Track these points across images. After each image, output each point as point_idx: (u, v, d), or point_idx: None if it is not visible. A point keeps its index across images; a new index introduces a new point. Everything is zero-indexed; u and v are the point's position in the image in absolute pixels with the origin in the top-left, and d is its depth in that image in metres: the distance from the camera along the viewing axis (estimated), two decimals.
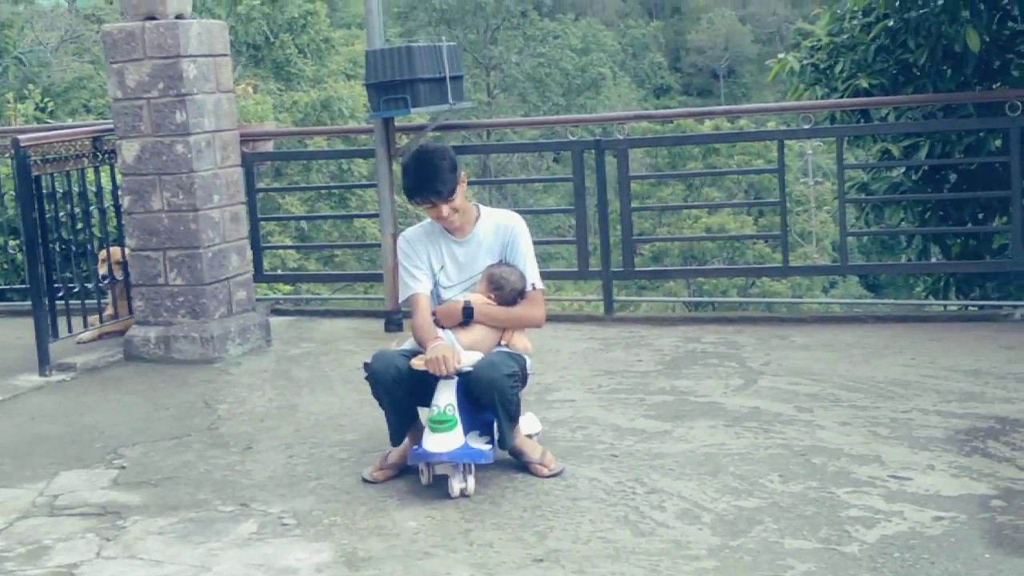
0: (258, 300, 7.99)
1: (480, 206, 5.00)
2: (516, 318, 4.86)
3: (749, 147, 29.51)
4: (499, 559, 4.00)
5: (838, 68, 9.04)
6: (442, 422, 4.54)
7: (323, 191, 21.79)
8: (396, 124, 8.01)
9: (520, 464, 4.85)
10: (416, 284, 4.83)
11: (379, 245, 8.22)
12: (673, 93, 56.90)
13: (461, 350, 4.68)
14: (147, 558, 4.18)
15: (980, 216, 8.96)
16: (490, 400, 4.58)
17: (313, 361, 7.12)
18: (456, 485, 4.58)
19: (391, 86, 7.46)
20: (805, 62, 9.33)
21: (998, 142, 8.37)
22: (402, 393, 4.64)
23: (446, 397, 4.59)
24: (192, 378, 6.82)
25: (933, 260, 9.38)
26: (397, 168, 9.95)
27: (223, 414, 6.07)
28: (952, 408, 5.47)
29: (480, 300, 4.83)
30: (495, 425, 4.69)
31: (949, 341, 6.79)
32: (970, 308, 8.64)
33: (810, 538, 4.04)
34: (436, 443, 4.53)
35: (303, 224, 21.42)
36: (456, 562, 4.00)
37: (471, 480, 4.60)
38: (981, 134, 8.41)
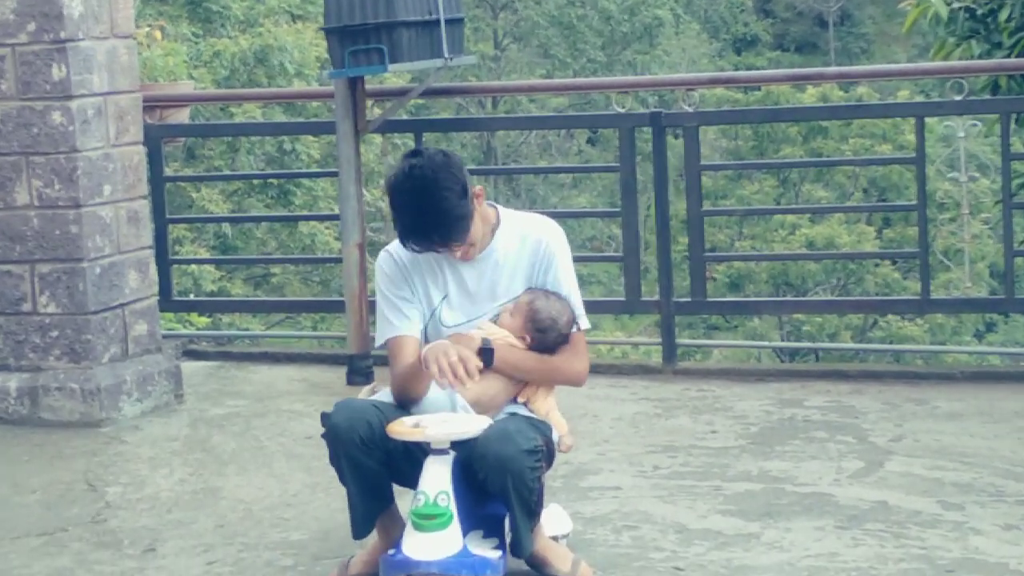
0: (165, 337, 8.01)
1: (500, 209, 4.92)
2: (551, 371, 4.85)
3: (872, 127, 29.55)
4: None
5: (1004, 15, 9.08)
6: (431, 516, 4.49)
7: (256, 182, 21.82)
8: (367, 87, 8.05)
9: None
10: (402, 323, 4.78)
11: (339, 260, 8.25)
12: (761, 47, 57.00)
13: (465, 407, 4.67)
14: None
15: None
16: (501, 486, 4.54)
17: (243, 426, 7.13)
18: None
19: (360, 32, 7.49)
20: (956, 5, 9.38)
21: None
22: (374, 462, 4.62)
23: (438, 480, 4.52)
24: (69, 448, 6.81)
25: None
26: (366, 151, 10.01)
27: (114, 501, 6.06)
28: None
29: (502, 338, 4.78)
30: (507, 523, 4.68)
31: None
32: None
33: None
34: (422, 547, 4.47)
35: (225, 229, 21.44)
36: None
37: None
38: None
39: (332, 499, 5.90)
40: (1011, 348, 17.96)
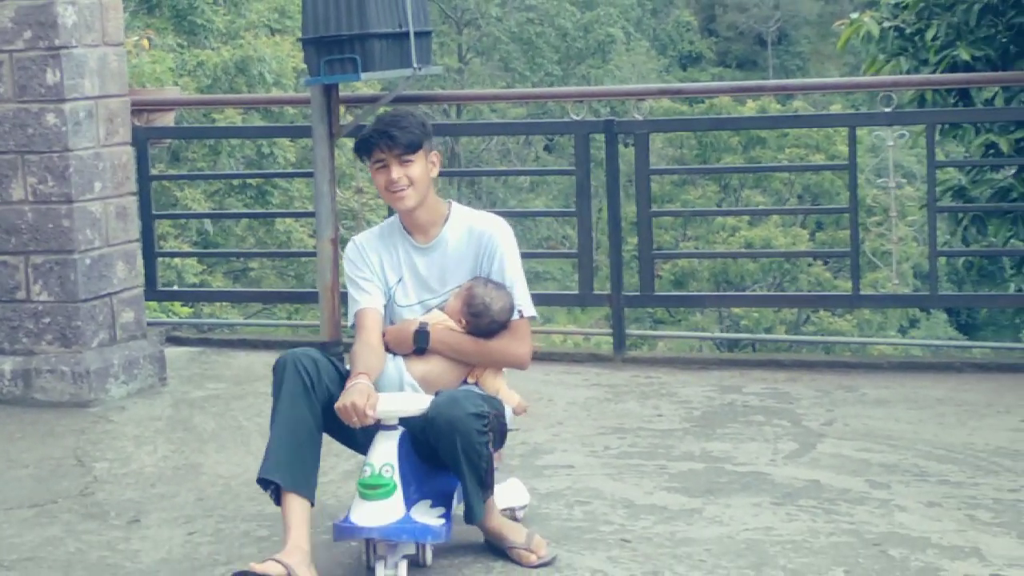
0: (150, 324, 7.99)
1: (453, 203, 5.07)
2: (488, 353, 4.92)
3: (806, 137, 29.71)
4: None
5: (930, 34, 9.11)
6: (375, 487, 4.54)
7: (235, 183, 21.76)
8: (340, 94, 8.03)
9: (496, 550, 4.85)
10: (363, 297, 4.92)
11: (313, 255, 8.23)
12: (705, 64, 57.15)
13: (413, 385, 4.80)
14: None
15: None
16: (450, 449, 4.57)
17: (222, 407, 7.12)
18: (381, 572, 4.56)
19: (335, 43, 7.46)
20: (887, 24, 9.40)
21: None
22: (311, 410, 4.64)
23: (383, 454, 4.59)
24: (60, 426, 6.80)
25: None
26: (339, 155, 9.98)
27: (101, 475, 6.05)
28: None
29: (440, 322, 4.88)
30: (457, 492, 4.72)
31: None
32: None
33: None
34: (368, 515, 4.52)
35: (207, 226, 21.38)
36: None
37: (403, 568, 4.57)
38: None
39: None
40: (933, 340, 18.05)
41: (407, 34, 7.65)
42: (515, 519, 5.09)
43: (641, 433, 6.45)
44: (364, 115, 8.30)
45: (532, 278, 5.03)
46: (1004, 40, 8.90)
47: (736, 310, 26.81)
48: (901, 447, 6.12)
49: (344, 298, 8.76)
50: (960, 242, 9.41)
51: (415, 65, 7.68)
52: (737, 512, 5.33)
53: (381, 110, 8.11)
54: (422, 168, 4.87)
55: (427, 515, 4.62)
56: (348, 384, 4.61)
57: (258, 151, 21.82)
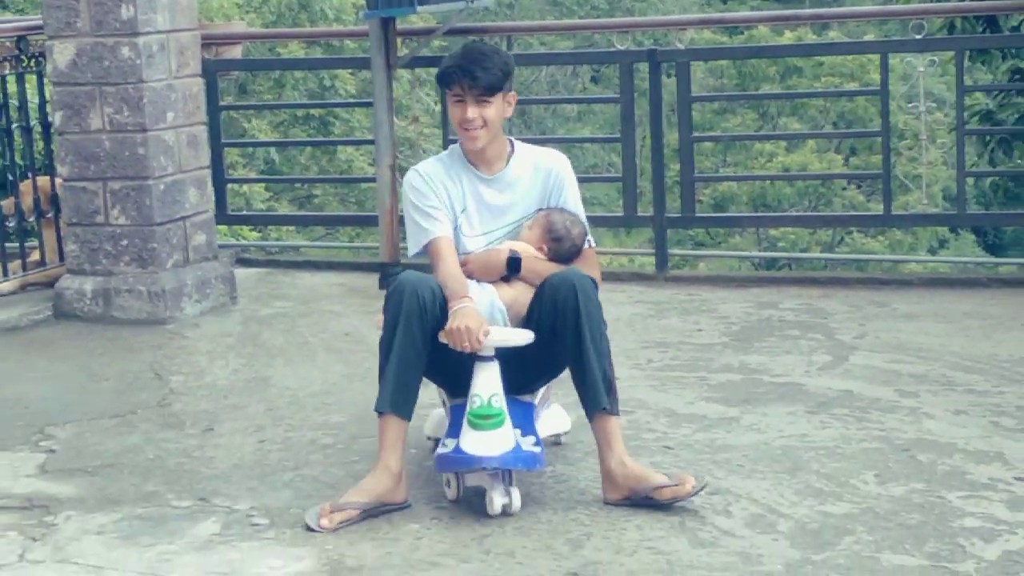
0: (221, 247, 8.03)
1: (515, 140, 4.89)
2: None
3: (841, 66, 29.33)
4: (524, 572, 4.04)
5: None
6: (487, 416, 4.39)
7: (299, 113, 21.76)
8: (397, 27, 8.01)
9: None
10: (435, 226, 4.67)
11: (371, 180, 8.24)
12: None
13: (503, 311, 4.64)
14: (83, 563, 4.23)
15: None
16: (572, 319, 4.42)
17: (289, 324, 7.16)
18: (498, 500, 4.41)
19: None
20: None
21: None
22: (424, 332, 4.44)
23: (490, 384, 4.43)
24: (138, 342, 6.85)
25: None
26: (396, 87, 9.97)
27: (177, 387, 6.11)
28: None
29: (527, 250, 4.73)
30: (583, 382, 4.49)
31: None
32: None
33: (914, 553, 4.07)
34: (481, 444, 4.36)
35: (273, 155, 21.41)
36: (468, 573, 4.04)
37: (516, 494, 4.45)
38: None
39: (367, 386, 5.89)
40: (961, 258, 17.91)
41: None
42: (559, 443, 5.03)
43: (682, 347, 6.46)
44: (420, 47, 8.29)
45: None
46: None
47: (773, 232, 26.61)
48: (929, 358, 6.10)
49: (403, 222, 8.80)
50: (987, 164, 9.34)
51: None
52: (773, 420, 5.34)
53: (433, 42, 8.09)
54: (498, 109, 4.66)
55: (526, 443, 4.47)
56: (454, 306, 4.43)
57: (320, 83, 21.80)
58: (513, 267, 4.68)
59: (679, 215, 8.28)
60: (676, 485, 4.42)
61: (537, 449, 4.46)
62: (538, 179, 4.79)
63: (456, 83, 4.62)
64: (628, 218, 8.33)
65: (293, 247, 10.89)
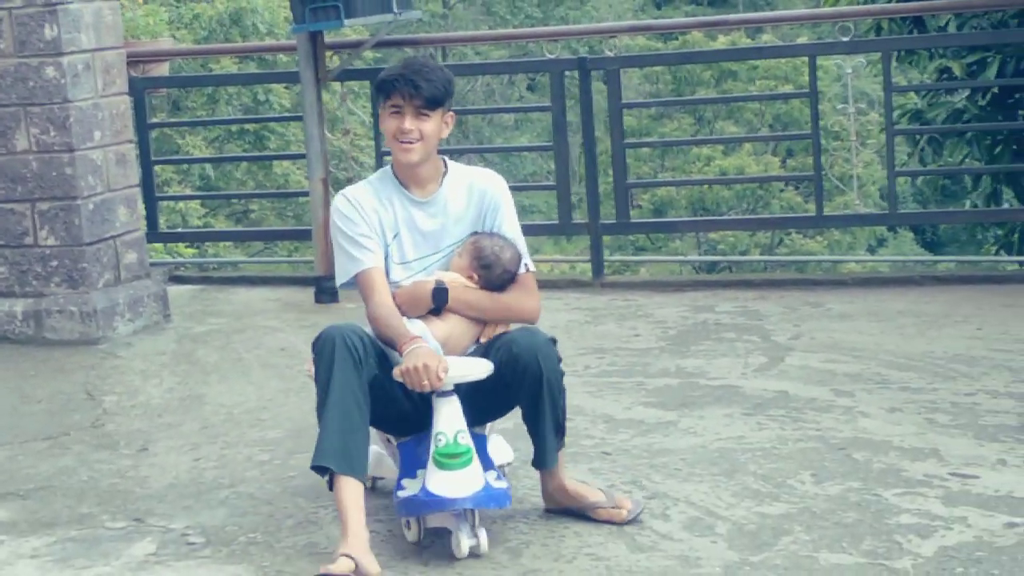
0: (153, 265, 7.99)
1: (448, 161, 4.61)
2: (505, 307, 4.49)
3: (775, 69, 29.54)
4: None
5: None
6: (455, 455, 4.13)
7: (234, 129, 21.65)
8: (326, 40, 8.00)
9: (561, 514, 4.51)
10: (367, 256, 4.40)
11: (306, 194, 8.23)
12: (678, 2, 56.85)
13: (437, 348, 4.31)
14: None
15: None
16: (533, 384, 4.24)
17: (223, 340, 7.12)
18: (466, 543, 4.17)
19: None
20: None
21: None
22: (359, 384, 4.17)
23: (452, 420, 4.17)
24: (70, 363, 6.80)
25: (1005, 206, 9.47)
26: (327, 97, 9.95)
27: (110, 408, 6.06)
28: None
29: (456, 280, 4.44)
30: (536, 436, 4.34)
31: None
32: None
33: (851, 551, 4.10)
34: (452, 485, 4.09)
35: (209, 171, 21.29)
36: None
37: (483, 535, 4.20)
38: None
39: (303, 402, 5.90)
40: (898, 257, 18.06)
41: None
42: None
43: (619, 352, 6.47)
44: (349, 60, 8.29)
45: (519, 211, 4.88)
46: None
47: (713, 235, 26.76)
48: (864, 357, 6.14)
49: None
50: (918, 163, 9.44)
51: (396, 10, 7.65)
52: (710, 423, 5.35)
53: (366, 54, 8.09)
54: (436, 125, 4.39)
55: (493, 481, 4.24)
56: (407, 347, 4.16)
57: (254, 98, 21.71)
58: (439, 299, 4.40)
59: (614, 221, 8.30)
60: (613, 508, 4.40)
61: (503, 484, 4.27)
62: (472, 201, 4.53)
63: (396, 92, 4.38)
64: (564, 225, 8.35)
65: (227, 263, 10.84)
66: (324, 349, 4.18)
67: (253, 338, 7.13)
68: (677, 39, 29.77)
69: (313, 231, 7.96)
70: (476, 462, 4.17)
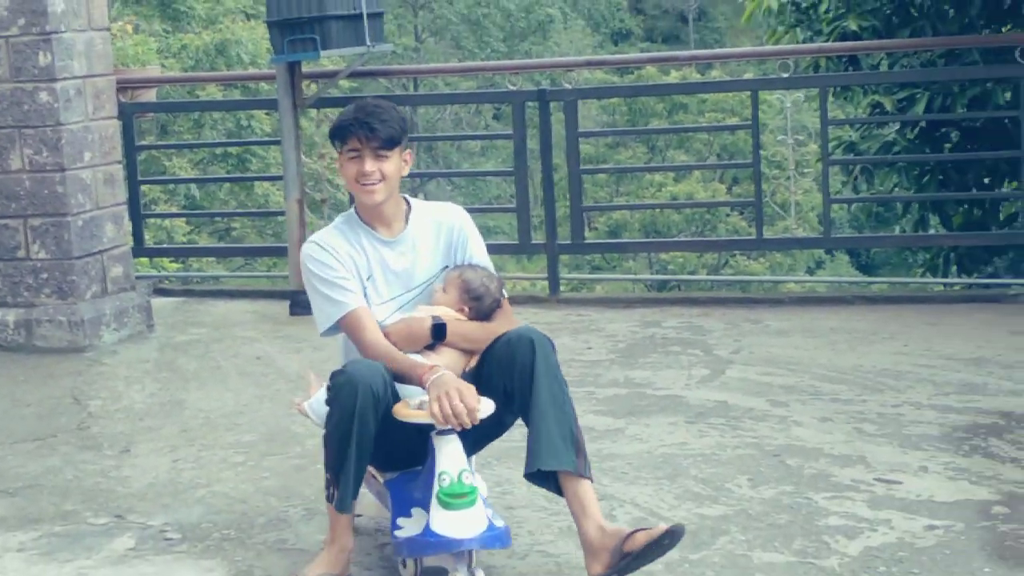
0: (138, 278, 7.96)
1: (410, 199, 4.35)
2: (494, 336, 4.14)
3: (723, 103, 29.71)
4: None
5: (823, 7, 9.15)
6: (460, 495, 3.80)
7: (218, 152, 21.64)
8: (303, 70, 8.00)
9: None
10: (349, 297, 4.10)
11: (283, 214, 8.22)
12: (634, 39, 57.05)
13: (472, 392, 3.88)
14: None
15: (986, 181, 9.12)
16: (529, 382, 3.92)
17: (203, 350, 7.10)
18: None
19: (297, 24, 7.47)
20: (785, 0, 9.43)
21: (1007, 94, 8.51)
22: (375, 427, 3.87)
23: (456, 459, 3.85)
24: (59, 369, 6.77)
25: (932, 232, 9.53)
26: (305, 123, 9.94)
27: (95, 411, 6.04)
28: (950, 402, 5.58)
29: (448, 314, 4.18)
30: (536, 431, 3.94)
31: (949, 325, 6.91)
32: (974, 287, 8.79)
33: (783, 550, 4.12)
34: (457, 525, 3.78)
35: (194, 192, 21.28)
36: None
37: (480, 573, 3.92)
38: (988, 85, 8.55)
39: (277, 407, 5.91)
40: (831, 278, 18.12)
41: (361, 15, 7.64)
42: None
43: (572, 364, 6.47)
44: (325, 88, 8.30)
45: (484, 232, 4.81)
46: (888, 11, 8.94)
47: (664, 257, 26.90)
48: (799, 370, 6.17)
49: None
50: (852, 191, 9.49)
51: (368, 43, 7.67)
52: (655, 431, 5.37)
53: (343, 83, 8.08)
54: (396, 165, 4.15)
55: (495, 520, 3.92)
56: (429, 377, 3.85)
57: (237, 123, 21.71)
58: (438, 334, 4.12)
59: (570, 242, 8.32)
60: (648, 529, 3.87)
61: (502, 523, 3.93)
62: (441, 237, 4.28)
63: (353, 136, 4.12)
64: (524, 245, 8.37)
65: (207, 277, 10.80)
66: (346, 390, 3.84)
67: (231, 347, 7.11)
68: (633, 73, 29.91)
69: (289, 247, 7.95)
70: (480, 502, 3.85)
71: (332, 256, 4.14)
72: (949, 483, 4.64)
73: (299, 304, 7.78)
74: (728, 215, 28.67)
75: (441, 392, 3.77)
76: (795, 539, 4.20)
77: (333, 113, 13.95)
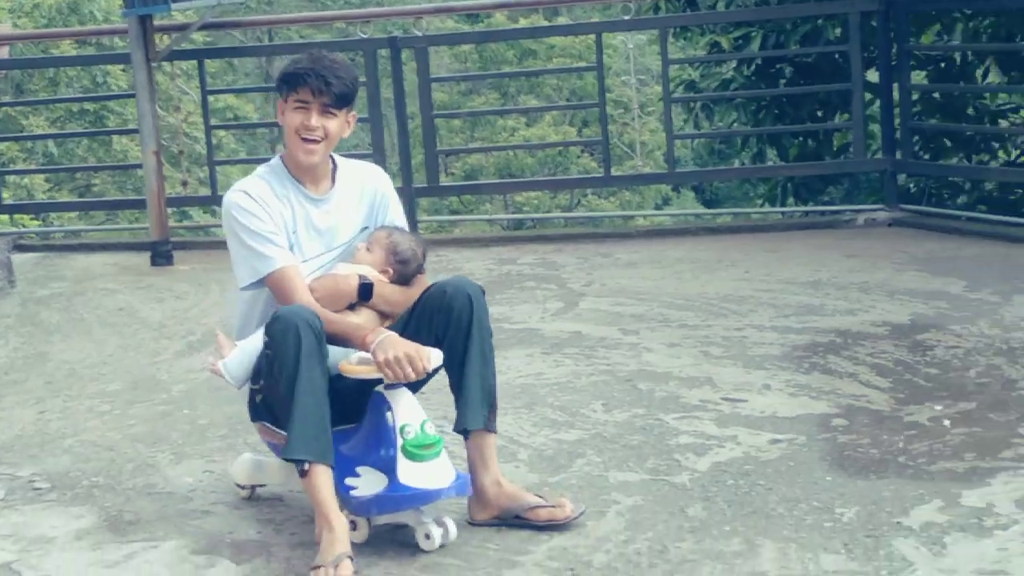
0: None
1: (335, 156, 4.07)
2: (411, 301, 3.96)
3: (570, 48, 29.75)
4: (288, 514, 4.01)
5: None
6: (428, 445, 3.64)
7: (75, 110, 21.14)
8: (155, 24, 7.81)
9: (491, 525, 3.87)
10: (280, 253, 3.83)
11: (141, 166, 8.05)
12: None
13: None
14: None
15: (819, 113, 9.28)
16: (464, 336, 3.80)
17: (65, 303, 6.96)
18: (436, 533, 3.66)
19: None
20: None
21: (838, 30, 8.65)
22: (322, 371, 3.63)
23: (413, 410, 3.70)
24: None
25: (769, 164, 9.69)
26: (161, 78, 9.71)
27: None
28: (790, 323, 5.69)
29: (371, 274, 3.94)
30: (462, 390, 3.84)
31: (787, 251, 7.05)
32: (810, 215, 8.97)
33: (637, 469, 4.17)
34: (428, 476, 3.62)
35: (53, 150, 20.75)
36: (240, 519, 3.99)
37: (451, 524, 3.71)
38: (819, 21, 8.68)
39: (141, 356, 5.83)
40: (676, 212, 18.34)
41: None
42: None
43: None
44: (177, 41, 8.12)
45: None
46: None
47: (519, 199, 26.93)
48: (648, 300, 6.24)
49: (170, 202, 8.57)
50: (693, 127, 9.59)
51: None
52: (514, 362, 5.39)
53: (196, 36, 7.92)
54: (340, 125, 3.90)
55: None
56: (373, 337, 3.64)
57: (93, 80, 21.20)
58: (364, 294, 3.89)
59: (426, 185, 8.29)
60: (552, 507, 3.79)
61: (460, 471, 3.78)
62: (364, 198, 4.06)
63: (306, 86, 3.85)
64: None
65: (73, 231, 10.56)
66: (286, 335, 3.60)
67: (93, 300, 6.97)
68: (483, 22, 29.82)
69: (147, 199, 7.81)
70: (444, 452, 3.69)
71: (262, 208, 3.86)
72: (791, 399, 4.74)
73: (160, 255, 7.66)
74: (579, 156, 28.80)
75: (389, 356, 3.60)
76: (648, 458, 4.25)
77: (188, 66, 13.66)
